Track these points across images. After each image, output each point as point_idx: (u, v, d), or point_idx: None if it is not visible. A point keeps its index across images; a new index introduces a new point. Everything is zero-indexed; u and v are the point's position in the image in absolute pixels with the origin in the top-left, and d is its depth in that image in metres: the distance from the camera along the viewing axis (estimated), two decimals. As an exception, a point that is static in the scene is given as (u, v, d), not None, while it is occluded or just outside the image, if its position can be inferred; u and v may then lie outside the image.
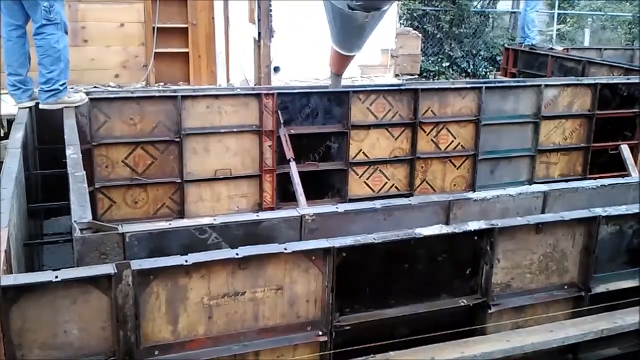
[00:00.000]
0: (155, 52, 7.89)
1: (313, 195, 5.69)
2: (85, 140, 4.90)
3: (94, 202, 5.00)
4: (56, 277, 2.26)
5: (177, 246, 2.84)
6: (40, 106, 4.81)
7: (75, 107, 4.84)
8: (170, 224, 2.89)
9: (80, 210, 2.93)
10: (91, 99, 5.03)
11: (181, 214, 5.39)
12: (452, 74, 13.98)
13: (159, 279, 2.45)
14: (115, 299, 2.35)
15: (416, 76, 10.95)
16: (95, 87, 7.27)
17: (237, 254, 2.50)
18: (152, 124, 5.26)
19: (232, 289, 2.55)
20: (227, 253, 2.53)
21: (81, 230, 2.73)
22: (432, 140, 6.25)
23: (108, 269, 2.34)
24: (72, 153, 3.77)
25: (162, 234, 2.86)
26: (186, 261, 2.44)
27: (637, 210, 3.37)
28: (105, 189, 5.23)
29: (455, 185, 6.46)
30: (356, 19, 4.03)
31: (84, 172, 3.45)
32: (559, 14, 17.11)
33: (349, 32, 4.57)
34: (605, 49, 10.63)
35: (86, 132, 5.01)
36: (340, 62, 5.49)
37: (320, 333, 2.76)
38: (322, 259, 2.69)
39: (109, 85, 7.71)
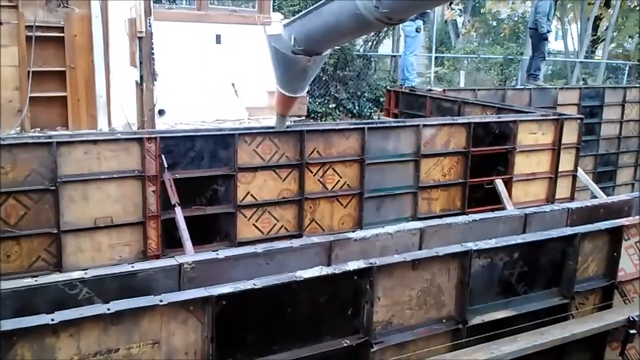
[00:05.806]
0: (30, 97, 7.51)
1: (201, 239, 5.59)
2: (-51, 192, 4.57)
3: (-41, 259, 4.64)
4: None
5: (45, 304, 2.68)
6: None
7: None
8: (36, 280, 2.73)
9: None
10: (-44, 148, 4.72)
11: (59, 267, 5.10)
12: (339, 115, 14.33)
13: (23, 341, 2.30)
14: (-27, 366, 2.18)
15: (304, 117, 11.11)
16: (-37, 134, 6.81)
17: (108, 309, 2.40)
18: (25, 172, 5.00)
19: (105, 346, 2.43)
20: (97, 309, 2.42)
21: None
22: (319, 180, 6.34)
23: (-37, 333, 2.17)
24: None
25: (28, 292, 2.69)
26: (52, 320, 2.31)
27: (505, 243, 3.56)
28: (-27, 244, 4.87)
29: (343, 223, 6.56)
30: (299, 63, 4.13)
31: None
32: (436, 57, 18.14)
33: (293, 75, 4.70)
34: (479, 90, 11.24)
35: (-50, 183, 4.68)
36: (285, 104, 5.59)
37: (202, 386, 2.68)
38: (201, 309, 2.63)
39: (-21, 132, 7.25)
